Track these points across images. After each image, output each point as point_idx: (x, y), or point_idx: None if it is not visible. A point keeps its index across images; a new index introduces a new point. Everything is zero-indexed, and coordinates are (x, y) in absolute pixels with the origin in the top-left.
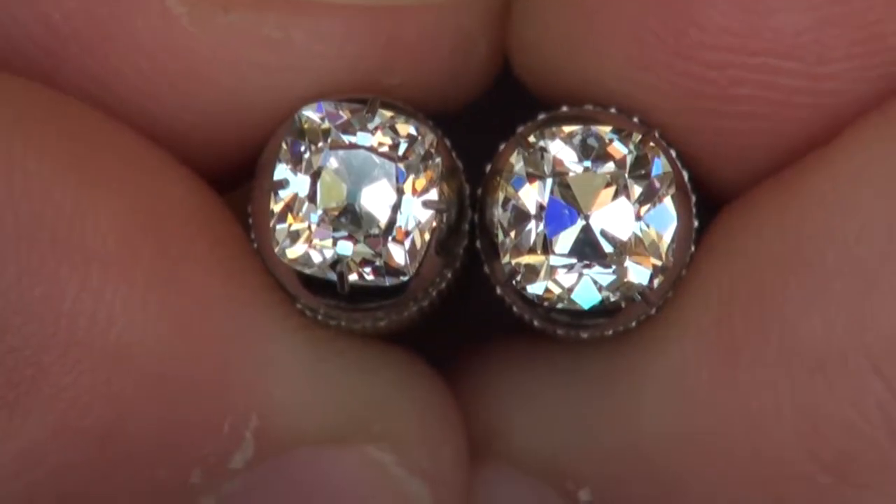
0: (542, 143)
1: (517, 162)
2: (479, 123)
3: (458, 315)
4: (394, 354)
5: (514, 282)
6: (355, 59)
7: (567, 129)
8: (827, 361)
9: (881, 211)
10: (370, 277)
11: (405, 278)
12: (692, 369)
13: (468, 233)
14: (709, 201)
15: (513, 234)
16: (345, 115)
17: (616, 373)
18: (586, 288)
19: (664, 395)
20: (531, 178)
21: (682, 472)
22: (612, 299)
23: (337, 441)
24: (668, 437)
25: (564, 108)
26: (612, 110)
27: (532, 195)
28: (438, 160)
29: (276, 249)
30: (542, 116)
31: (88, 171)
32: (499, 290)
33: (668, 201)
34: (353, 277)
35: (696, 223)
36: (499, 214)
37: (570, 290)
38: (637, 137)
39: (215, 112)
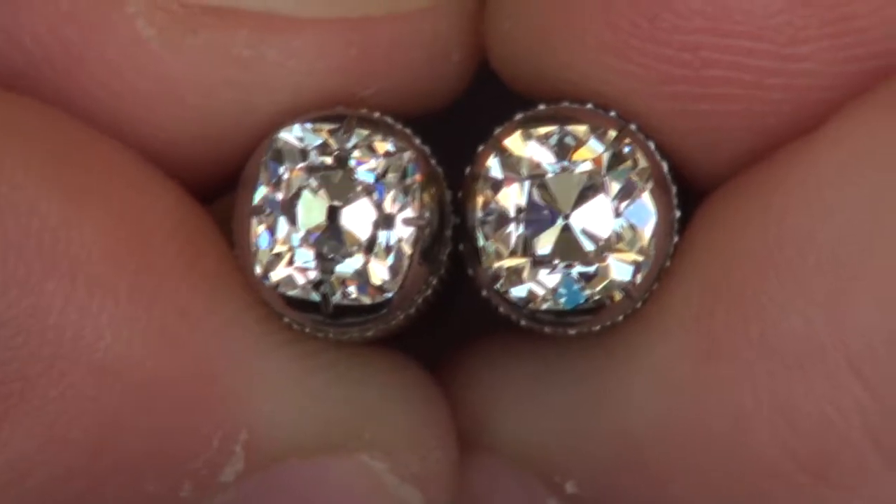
0: (518, 145)
1: (494, 165)
2: (462, 123)
3: (447, 315)
4: (384, 361)
5: (497, 286)
6: (328, 73)
7: (543, 129)
8: (806, 360)
9: (861, 211)
10: (354, 296)
11: (389, 295)
12: (675, 364)
13: (451, 238)
14: (692, 190)
15: (493, 237)
16: (322, 135)
17: (602, 366)
18: (569, 288)
19: (648, 390)
20: (509, 180)
21: (665, 466)
22: (596, 297)
23: (329, 451)
24: (652, 431)
25: (542, 107)
26: (589, 106)
27: (511, 198)
28: (417, 175)
29: (259, 272)
30: (518, 116)
31: (74, 183)
32: (484, 293)
33: (646, 196)
34: (336, 297)
35: (677, 214)
36: (479, 219)
37: (554, 290)
38: (612, 134)
39: (191, 130)
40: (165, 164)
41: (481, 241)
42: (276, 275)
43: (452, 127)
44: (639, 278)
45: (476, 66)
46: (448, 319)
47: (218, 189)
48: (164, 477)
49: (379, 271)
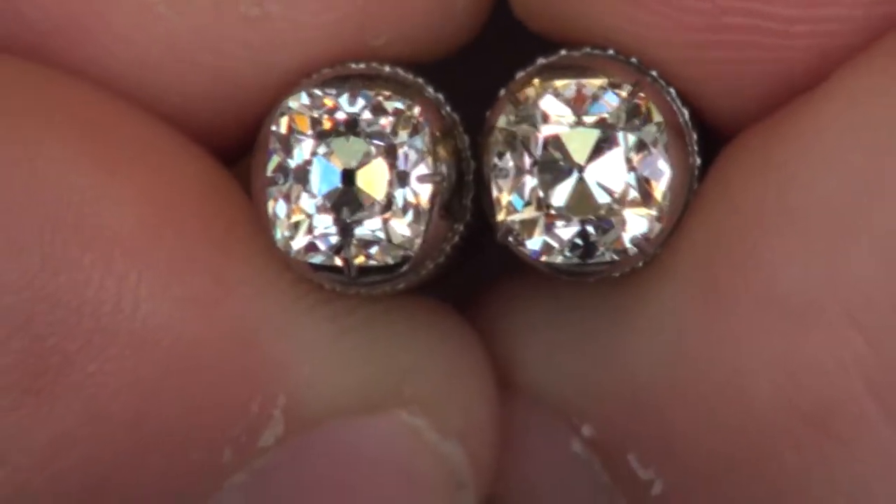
0: (533, 98)
1: (510, 116)
2: (489, 60)
3: (477, 254)
4: (420, 313)
5: (510, 238)
6: (336, 24)
7: (559, 82)
8: (806, 311)
9: (861, 163)
10: (376, 257)
11: (411, 252)
12: (679, 314)
13: (474, 182)
14: (719, 136)
15: (508, 189)
16: (329, 100)
17: (615, 312)
18: (584, 241)
19: (654, 339)
20: (524, 132)
21: (671, 416)
22: (611, 250)
23: (368, 410)
24: (659, 377)
25: (563, 52)
26: (610, 52)
27: (525, 150)
28: (428, 129)
29: (280, 243)
30: (538, 63)
31: (107, 154)
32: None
33: (661, 149)
34: (359, 260)
35: (697, 161)
36: (493, 171)
37: (568, 243)
38: (628, 88)
39: (207, 93)
40: (185, 129)
41: (495, 193)
42: (297, 243)
43: (478, 65)
44: (653, 232)
45: (487, 7)
46: (477, 258)
47: (240, 151)
48: (206, 445)
49: (399, 229)
